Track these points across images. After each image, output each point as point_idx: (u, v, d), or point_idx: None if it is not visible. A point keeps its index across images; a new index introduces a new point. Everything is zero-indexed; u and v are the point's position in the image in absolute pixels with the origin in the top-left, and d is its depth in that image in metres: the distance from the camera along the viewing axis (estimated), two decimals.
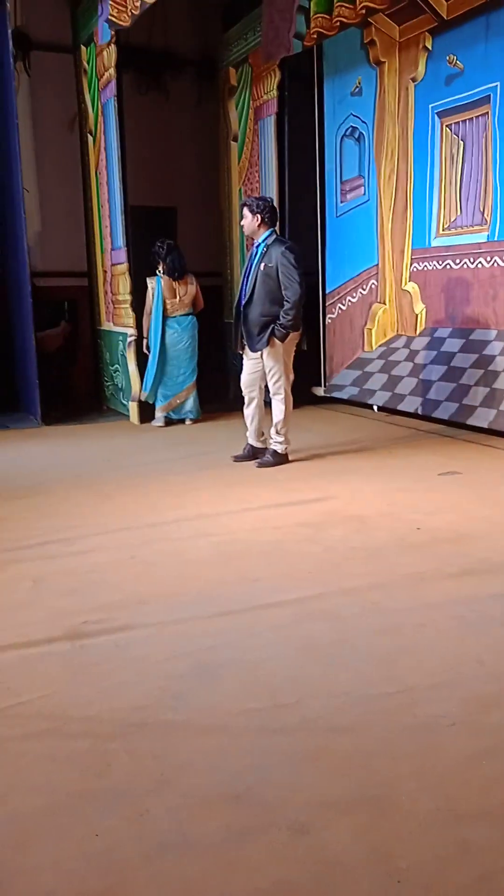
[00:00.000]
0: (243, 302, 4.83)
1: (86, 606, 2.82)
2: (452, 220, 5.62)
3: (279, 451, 4.96)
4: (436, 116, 5.68)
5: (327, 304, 7.15)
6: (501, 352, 5.23)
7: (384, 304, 6.45)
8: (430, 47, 5.66)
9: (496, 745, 1.91)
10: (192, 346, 6.56)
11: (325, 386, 7.28)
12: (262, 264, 4.70)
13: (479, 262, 5.37)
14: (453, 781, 1.77)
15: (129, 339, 6.84)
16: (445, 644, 2.46)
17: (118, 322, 7.17)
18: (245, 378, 5.03)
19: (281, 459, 4.96)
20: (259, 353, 4.85)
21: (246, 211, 4.77)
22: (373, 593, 2.87)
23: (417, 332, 6.09)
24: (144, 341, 6.62)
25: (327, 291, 7.14)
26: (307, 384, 7.29)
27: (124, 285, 6.85)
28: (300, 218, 7.21)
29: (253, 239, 4.86)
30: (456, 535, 3.49)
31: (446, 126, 5.60)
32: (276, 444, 4.98)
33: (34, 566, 3.27)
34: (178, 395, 6.63)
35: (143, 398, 6.70)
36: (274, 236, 4.78)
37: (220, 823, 1.65)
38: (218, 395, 7.77)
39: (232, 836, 1.61)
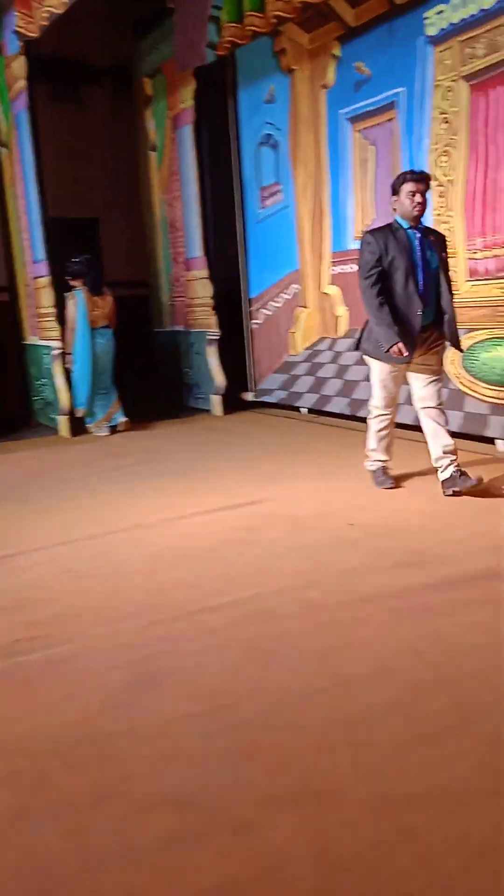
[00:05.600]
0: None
1: (22, 623, 2.77)
2: (368, 223, 5.76)
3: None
4: (347, 122, 5.81)
5: (252, 309, 7.22)
6: None
7: (307, 307, 6.55)
8: (338, 55, 5.80)
9: (431, 730, 1.96)
10: (114, 357, 6.69)
11: (253, 390, 7.33)
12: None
13: None
14: (390, 768, 1.81)
15: (54, 353, 6.75)
16: (380, 636, 2.51)
17: (43, 336, 7.07)
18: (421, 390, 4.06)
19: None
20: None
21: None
22: (308, 591, 2.91)
23: (340, 333, 6.20)
24: (69, 357, 6.59)
25: (251, 297, 7.20)
26: (237, 389, 7.35)
27: (47, 298, 6.76)
28: (222, 224, 7.27)
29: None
30: (388, 530, 3.56)
31: (357, 131, 5.74)
32: (453, 464, 4.02)
33: None
34: (114, 405, 6.73)
35: (79, 415, 6.68)
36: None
37: (163, 830, 1.64)
38: (150, 404, 7.74)
39: (175, 841, 1.61)
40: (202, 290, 7.41)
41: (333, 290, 6.21)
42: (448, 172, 5.00)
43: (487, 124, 4.71)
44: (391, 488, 4.25)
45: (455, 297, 4.01)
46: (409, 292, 3.87)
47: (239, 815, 1.67)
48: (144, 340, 8.33)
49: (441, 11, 4.88)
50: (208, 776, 1.82)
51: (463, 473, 3.98)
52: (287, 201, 6.59)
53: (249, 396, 7.37)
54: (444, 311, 3.92)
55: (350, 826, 1.62)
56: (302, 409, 6.73)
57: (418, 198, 3.80)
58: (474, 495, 3.93)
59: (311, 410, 6.63)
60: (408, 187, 3.81)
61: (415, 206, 3.82)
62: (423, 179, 3.83)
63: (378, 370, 4.08)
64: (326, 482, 4.51)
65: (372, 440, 4.28)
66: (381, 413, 4.18)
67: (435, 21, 4.94)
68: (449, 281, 3.95)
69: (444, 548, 3.27)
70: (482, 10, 4.61)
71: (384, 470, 4.33)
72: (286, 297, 6.77)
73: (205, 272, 7.35)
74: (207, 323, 7.36)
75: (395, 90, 5.31)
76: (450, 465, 4.00)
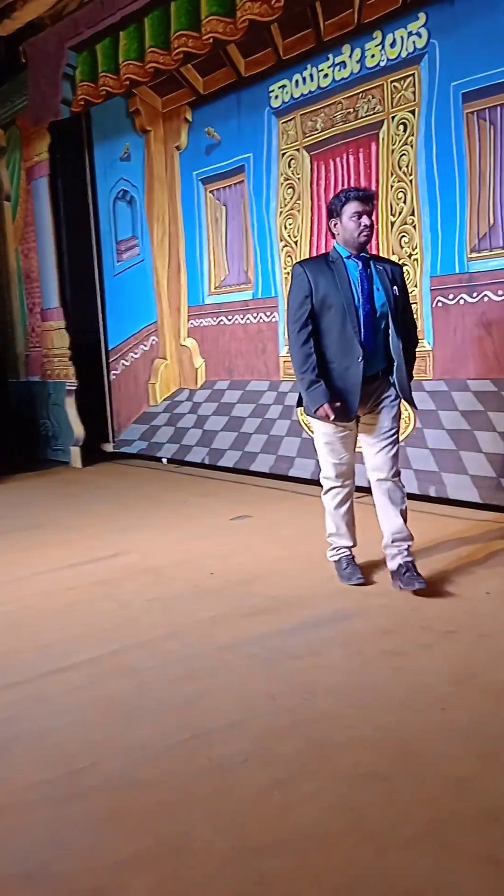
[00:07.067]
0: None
1: None
2: (222, 279, 5.97)
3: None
4: (200, 183, 6.04)
5: (110, 360, 7.21)
6: (275, 401, 5.59)
7: (165, 359, 6.64)
8: (190, 119, 6.04)
9: (287, 774, 1.99)
10: None
11: (113, 441, 7.28)
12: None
13: (248, 318, 5.74)
14: (247, 817, 1.82)
15: None
16: (238, 684, 2.54)
17: None
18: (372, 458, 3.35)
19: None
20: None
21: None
22: (168, 643, 2.90)
23: (198, 385, 6.32)
24: None
25: (110, 348, 7.20)
26: (96, 440, 7.27)
27: None
28: (79, 276, 7.26)
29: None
30: (248, 577, 3.62)
31: (209, 192, 5.98)
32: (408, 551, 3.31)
33: None
34: None
35: None
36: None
37: None
38: (4, 457, 7.48)
39: None
40: (59, 340, 7.34)
41: (191, 343, 6.34)
42: (294, 234, 5.30)
43: (327, 191, 5.05)
44: (360, 584, 3.35)
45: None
46: (347, 336, 3.13)
47: (92, 883, 1.62)
48: (4, 391, 8.10)
49: (284, 86, 5.22)
50: (61, 845, 1.75)
51: (409, 570, 3.21)
52: (144, 255, 6.70)
53: (109, 447, 7.30)
54: (394, 358, 3.21)
55: (208, 881, 1.61)
56: (162, 459, 6.75)
57: (365, 220, 3.09)
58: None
59: (171, 460, 6.66)
60: (352, 207, 3.09)
61: (361, 231, 3.11)
62: (369, 199, 3.13)
63: (321, 432, 3.32)
64: (187, 531, 4.53)
65: (329, 522, 3.46)
66: (333, 486, 3.38)
67: (279, 94, 5.27)
68: (406, 321, 3.27)
69: (301, 592, 3.36)
70: (320, 88, 4.98)
71: (350, 560, 3.45)
72: (144, 348, 6.83)
73: (62, 323, 7.29)
74: (65, 373, 7.28)
75: (244, 155, 5.60)
76: (398, 555, 3.26)
